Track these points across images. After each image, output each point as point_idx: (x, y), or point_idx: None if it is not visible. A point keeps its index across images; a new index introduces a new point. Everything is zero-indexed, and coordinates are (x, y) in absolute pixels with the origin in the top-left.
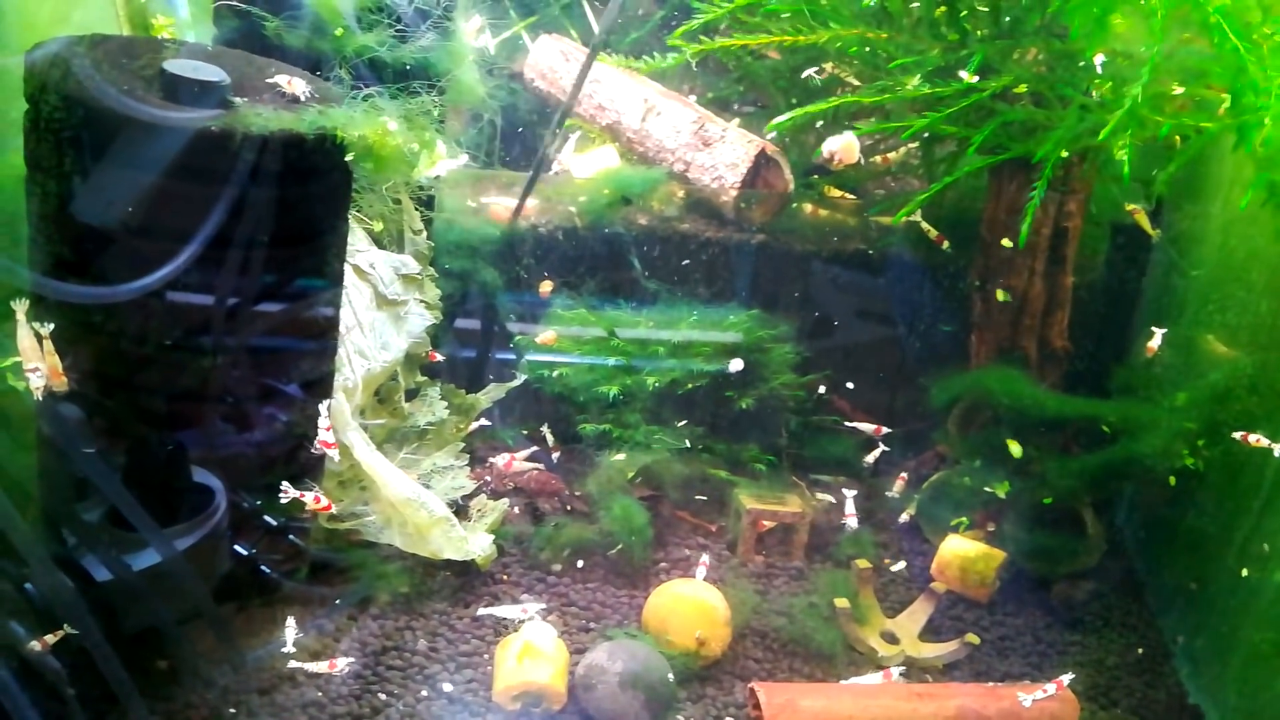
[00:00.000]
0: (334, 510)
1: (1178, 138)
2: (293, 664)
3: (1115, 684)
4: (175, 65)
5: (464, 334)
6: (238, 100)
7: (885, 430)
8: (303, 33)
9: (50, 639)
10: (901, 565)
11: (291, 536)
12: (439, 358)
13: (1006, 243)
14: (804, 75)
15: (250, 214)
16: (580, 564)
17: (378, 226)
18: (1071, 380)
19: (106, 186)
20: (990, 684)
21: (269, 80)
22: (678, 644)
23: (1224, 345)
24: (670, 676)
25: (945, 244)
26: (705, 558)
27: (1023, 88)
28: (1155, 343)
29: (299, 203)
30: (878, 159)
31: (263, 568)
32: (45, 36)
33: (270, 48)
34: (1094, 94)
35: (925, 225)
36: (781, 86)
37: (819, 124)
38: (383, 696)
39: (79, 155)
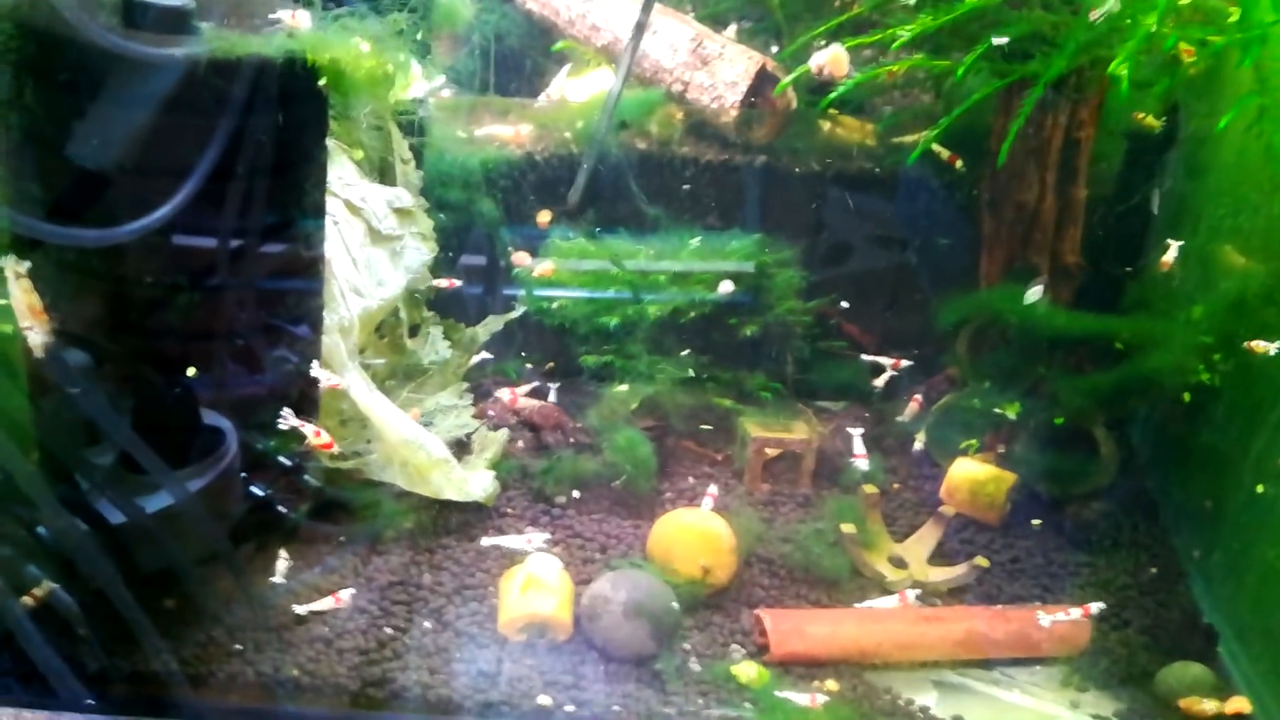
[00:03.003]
0: (335, 449)
1: (1183, 51)
2: (297, 607)
3: (1127, 604)
4: None
5: (463, 266)
6: (204, 25)
7: (904, 362)
8: None
9: (38, 592)
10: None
11: (304, 475)
12: (458, 283)
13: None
14: None
15: (222, 144)
16: (585, 496)
17: (358, 155)
18: (1084, 296)
19: (66, 119)
20: (999, 606)
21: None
22: (683, 573)
23: (1240, 254)
24: (675, 605)
25: (959, 163)
26: (713, 488)
27: None
28: (1170, 256)
29: (273, 131)
30: (883, 74)
31: (276, 507)
32: None
33: None
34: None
35: (937, 147)
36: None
37: (822, 43)
38: (389, 630)
39: (38, 86)
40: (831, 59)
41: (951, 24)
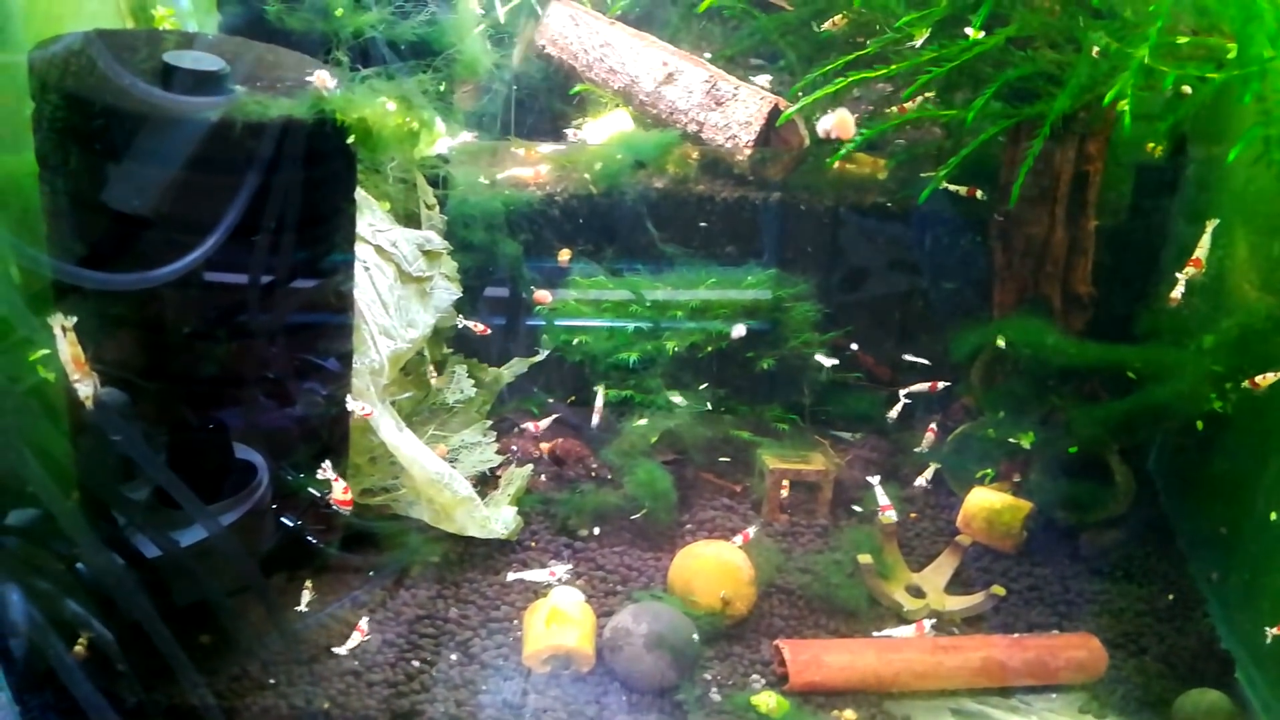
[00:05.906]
0: (352, 506)
1: (1185, 87)
2: (335, 649)
3: (1145, 631)
4: (174, 56)
5: (486, 305)
6: (239, 88)
7: (941, 384)
8: (305, 15)
9: (82, 642)
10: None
11: (333, 509)
12: (489, 331)
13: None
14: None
15: (256, 200)
16: (607, 529)
17: (385, 206)
18: (1097, 326)
19: (110, 179)
20: (1015, 635)
21: (295, 69)
22: (703, 604)
23: (1250, 286)
24: (695, 636)
25: (979, 194)
26: (751, 530)
27: (1036, 28)
28: (1178, 292)
29: (304, 186)
30: (894, 109)
31: (306, 540)
32: (53, 32)
33: (273, 32)
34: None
35: (953, 186)
36: (791, 41)
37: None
38: (416, 663)
39: (83, 150)
40: (838, 123)
41: (959, 65)
